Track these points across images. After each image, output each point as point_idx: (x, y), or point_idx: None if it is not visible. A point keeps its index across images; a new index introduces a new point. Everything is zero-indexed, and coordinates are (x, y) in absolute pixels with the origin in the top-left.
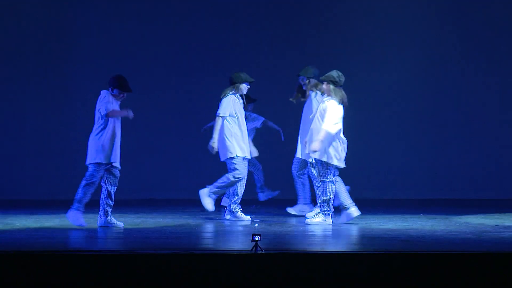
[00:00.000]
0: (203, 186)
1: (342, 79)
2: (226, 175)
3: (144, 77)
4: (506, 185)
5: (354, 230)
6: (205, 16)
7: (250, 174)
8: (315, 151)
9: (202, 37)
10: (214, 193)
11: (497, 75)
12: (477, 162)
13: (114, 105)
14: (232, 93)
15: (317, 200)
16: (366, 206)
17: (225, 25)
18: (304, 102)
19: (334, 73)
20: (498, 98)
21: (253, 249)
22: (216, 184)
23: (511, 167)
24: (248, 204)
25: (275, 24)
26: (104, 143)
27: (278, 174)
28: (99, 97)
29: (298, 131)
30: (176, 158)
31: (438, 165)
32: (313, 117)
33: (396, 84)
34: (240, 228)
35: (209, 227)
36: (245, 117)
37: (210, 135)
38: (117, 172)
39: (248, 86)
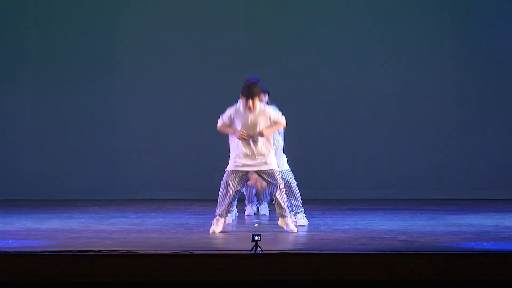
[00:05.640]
0: (203, 186)
1: None
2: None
3: (144, 76)
4: (506, 185)
5: (353, 230)
6: (206, 15)
7: None
8: None
9: (203, 36)
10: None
11: (498, 73)
12: (478, 162)
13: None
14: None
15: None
16: (366, 206)
17: (224, 25)
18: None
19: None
20: (499, 98)
21: (253, 249)
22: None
23: (511, 167)
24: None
25: (276, 23)
26: None
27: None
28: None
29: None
30: (176, 158)
31: (438, 164)
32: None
33: (396, 82)
34: (240, 228)
35: (209, 227)
36: None
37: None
38: None
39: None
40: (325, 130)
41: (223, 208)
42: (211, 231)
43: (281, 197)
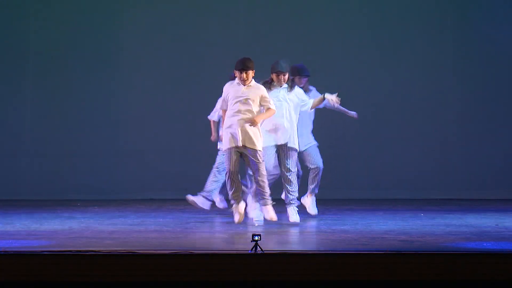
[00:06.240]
0: (203, 186)
1: None
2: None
3: (143, 76)
4: (506, 185)
5: (353, 231)
6: (206, 14)
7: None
8: None
9: (203, 36)
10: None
11: (498, 73)
12: (477, 162)
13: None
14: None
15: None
16: (366, 206)
17: (225, 25)
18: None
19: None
20: (499, 98)
21: (253, 249)
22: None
23: (511, 167)
24: None
25: (276, 23)
26: None
27: None
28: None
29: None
30: (176, 158)
31: (438, 165)
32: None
33: (396, 83)
34: (240, 228)
35: (208, 227)
36: None
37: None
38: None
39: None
40: (325, 130)
41: (234, 194)
42: (236, 222)
43: (261, 179)
